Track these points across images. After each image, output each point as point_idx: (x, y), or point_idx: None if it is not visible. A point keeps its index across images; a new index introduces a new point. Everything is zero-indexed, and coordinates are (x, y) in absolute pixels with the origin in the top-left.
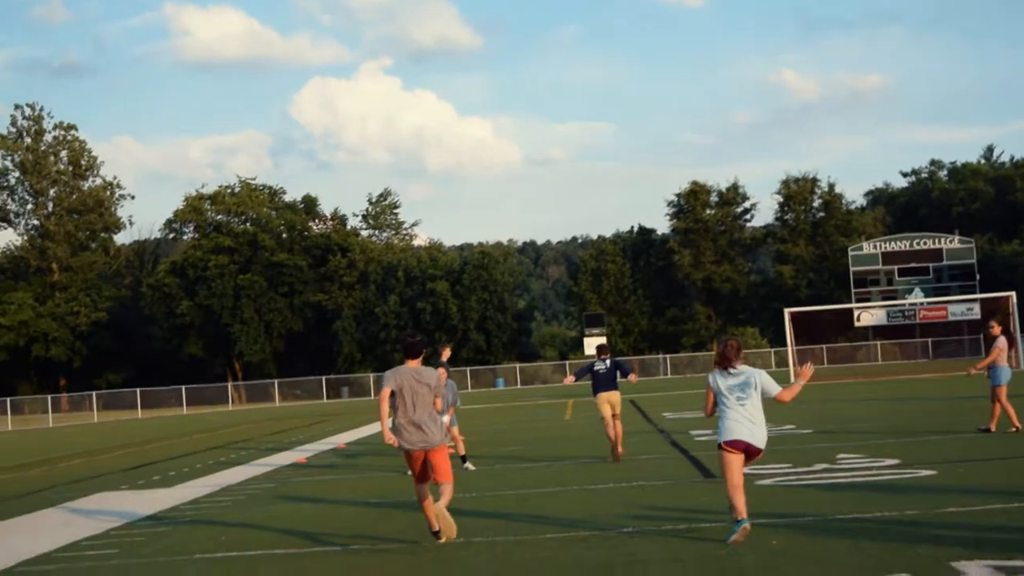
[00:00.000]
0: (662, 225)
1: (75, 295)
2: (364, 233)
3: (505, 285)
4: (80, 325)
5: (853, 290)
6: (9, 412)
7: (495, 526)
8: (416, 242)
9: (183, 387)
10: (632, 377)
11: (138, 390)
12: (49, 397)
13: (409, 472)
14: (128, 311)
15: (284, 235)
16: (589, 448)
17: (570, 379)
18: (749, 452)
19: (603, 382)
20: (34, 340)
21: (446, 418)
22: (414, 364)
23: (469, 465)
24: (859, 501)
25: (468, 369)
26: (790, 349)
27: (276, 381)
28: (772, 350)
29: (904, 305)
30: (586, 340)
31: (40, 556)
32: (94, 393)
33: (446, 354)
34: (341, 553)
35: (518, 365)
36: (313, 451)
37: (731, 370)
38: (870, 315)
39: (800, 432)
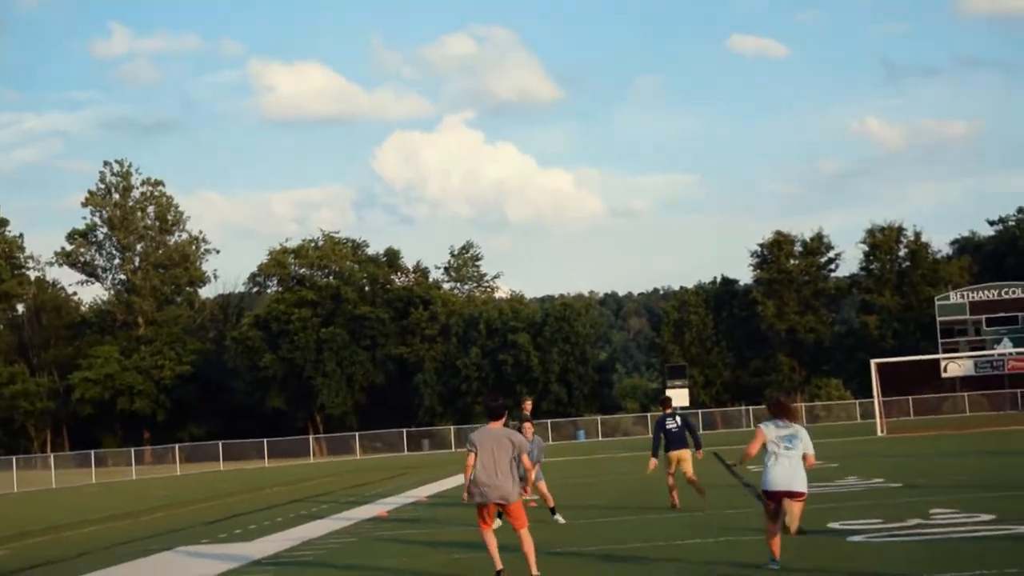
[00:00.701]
0: (745, 275)
1: (160, 348)
2: (446, 286)
3: (586, 337)
4: (165, 378)
5: (940, 340)
6: (93, 465)
7: None
8: (498, 294)
9: (265, 440)
10: (699, 453)
11: (220, 443)
12: (132, 450)
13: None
14: (212, 364)
15: (366, 288)
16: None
17: (653, 464)
18: (792, 495)
19: (675, 440)
20: (119, 393)
21: (532, 474)
22: (496, 426)
23: (559, 517)
24: (957, 558)
25: (549, 421)
26: (876, 400)
27: (357, 434)
28: (856, 402)
29: (992, 355)
30: (668, 392)
31: None
32: (177, 446)
33: (528, 407)
34: None
35: (599, 417)
36: (395, 504)
37: (782, 422)
38: (957, 365)
39: (890, 486)
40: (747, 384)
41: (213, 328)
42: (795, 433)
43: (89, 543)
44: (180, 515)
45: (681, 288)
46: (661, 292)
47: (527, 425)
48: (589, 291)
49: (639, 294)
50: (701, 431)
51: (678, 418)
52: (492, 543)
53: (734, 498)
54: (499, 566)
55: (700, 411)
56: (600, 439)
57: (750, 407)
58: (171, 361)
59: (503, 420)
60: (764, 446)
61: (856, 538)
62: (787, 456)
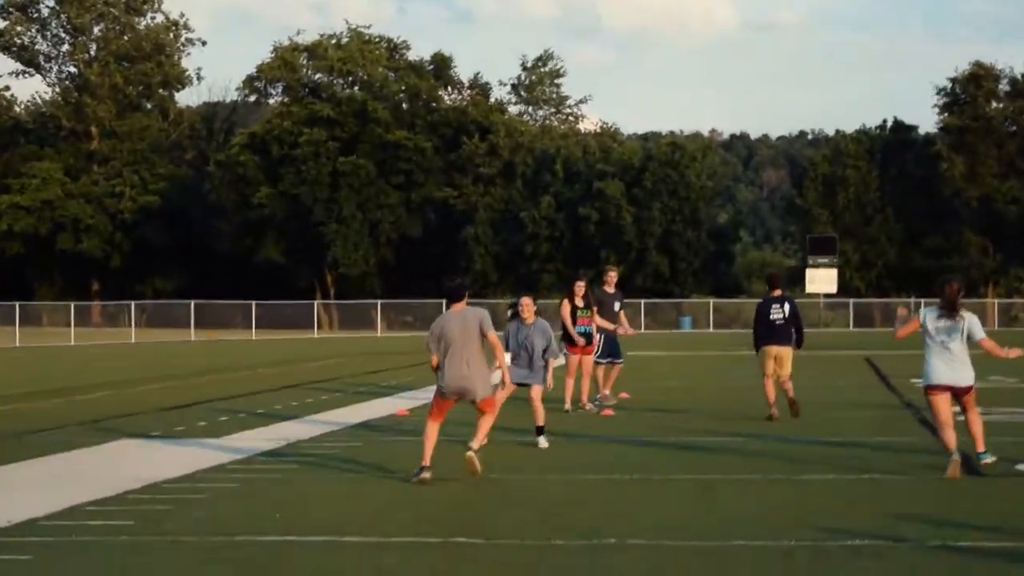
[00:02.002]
0: (927, 121)
1: (119, 170)
2: (512, 109)
3: (702, 191)
4: (123, 211)
5: None
6: (18, 322)
7: (665, 524)
8: (583, 126)
9: (253, 303)
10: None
11: (193, 303)
12: (73, 305)
13: (430, 407)
14: (188, 196)
15: (404, 106)
16: (802, 424)
17: None
18: (956, 392)
19: (776, 333)
20: (60, 228)
21: (550, 371)
22: (458, 308)
23: (543, 440)
24: None
25: (643, 302)
26: None
27: (380, 303)
28: None
29: None
30: (809, 273)
31: (27, 522)
32: (134, 303)
33: (611, 278)
34: (441, 547)
35: (712, 301)
36: (422, 400)
37: (944, 312)
38: None
39: None
40: (918, 268)
41: (192, 147)
42: (955, 325)
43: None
44: (129, 396)
45: (836, 133)
46: (809, 137)
47: (525, 301)
48: (709, 130)
49: (778, 138)
50: (852, 327)
51: (787, 305)
52: (432, 440)
53: (890, 423)
54: (425, 462)
55: (851, 301)
56: (711, 330)
57: (921, 299)
58: (133, 188)
59: (464, 301)
60: (922, 335)
61: None
62: (945, 349)
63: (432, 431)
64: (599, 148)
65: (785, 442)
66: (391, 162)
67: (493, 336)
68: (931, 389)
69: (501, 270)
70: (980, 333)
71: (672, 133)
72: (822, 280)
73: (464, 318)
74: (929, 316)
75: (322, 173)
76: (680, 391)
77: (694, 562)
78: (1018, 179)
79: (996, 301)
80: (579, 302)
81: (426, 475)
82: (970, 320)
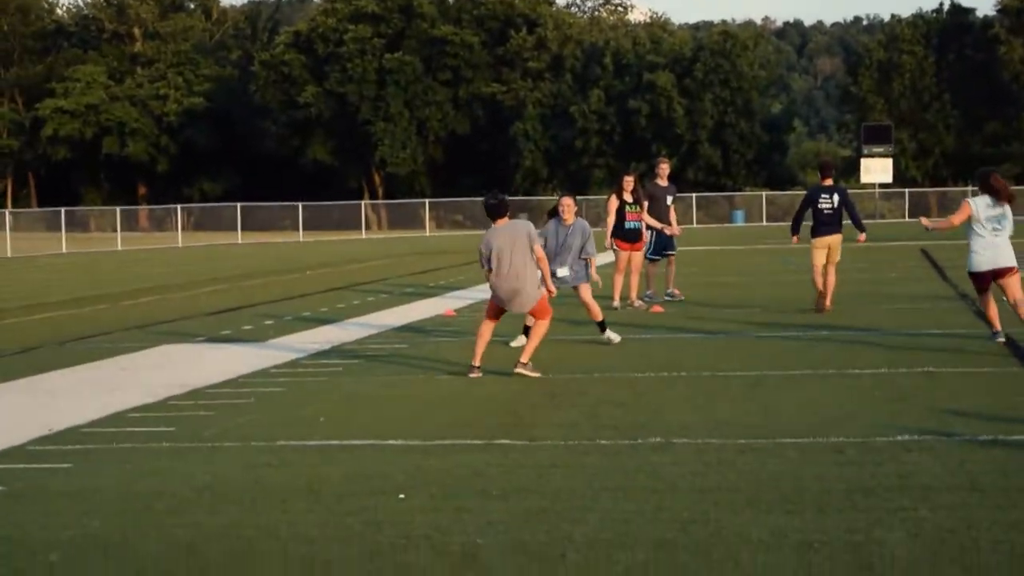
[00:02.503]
0: (985, 3)
1: (163, 72)
2: (560, 1)
3: (754, 81)
4: (168, 114)
5: None
6: (64, 228)
7: (709, 422)
8: (632, 16)
9: (300, 204)
10: (861, 237)
11: (239, 205)
12: (119, 209)
13: (487, 307)
14: (233, 97)
15: (450, 0)
16: (854, 317)
17: (795, 241)
18: (999, 274)
19: (828, 222)
20: (105, 132)
21: (593, 268)
22: (503, 223)
23: (611, 335)
24: None
25: (694, 195)
26: None
27: (428, 201)
28: None
29: None
30: (864, 162)
31: (69, 430)
32: (181, 207)
33: (664, 169)
34: (483, 448)
35: (765, 193)
36: (469, 300)
37: (993, 200)
38: None
39: None
40: (977, 155)
41: (236, 47)
42: (1004, 214)
43: (37, 334)
44: (175, 301)
45: (892, 18)
46: (864, 23)
47: (566, 201)
48: (762, 18)
49: (832, 24)
50: (907, 217)
51: (835, 196)
52: (485, 339)
53: (946, 314)
54: (476, 361)
55: (907, 191)
56: (764, 224)
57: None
58: (178, 91)
59: (507, 216)
60: (969, 223)
61: None
62: (994, 236)
63: (486, 330)
64: (649, 39)
65: (836, 335)
66: (438, 58)
67: (540, 251)
68: (974, 276)
69: (551, 166)
70: (1010, 230)
71: (724, 22)
72: (877, 170)
73: (513, 231)
74: (981, 204)
75: (368, 71)
76: (731, 286)
77: (739, 460)
78: None
79: None
80: (628, 197)
81: (475, 374)
82: (1011, 216)
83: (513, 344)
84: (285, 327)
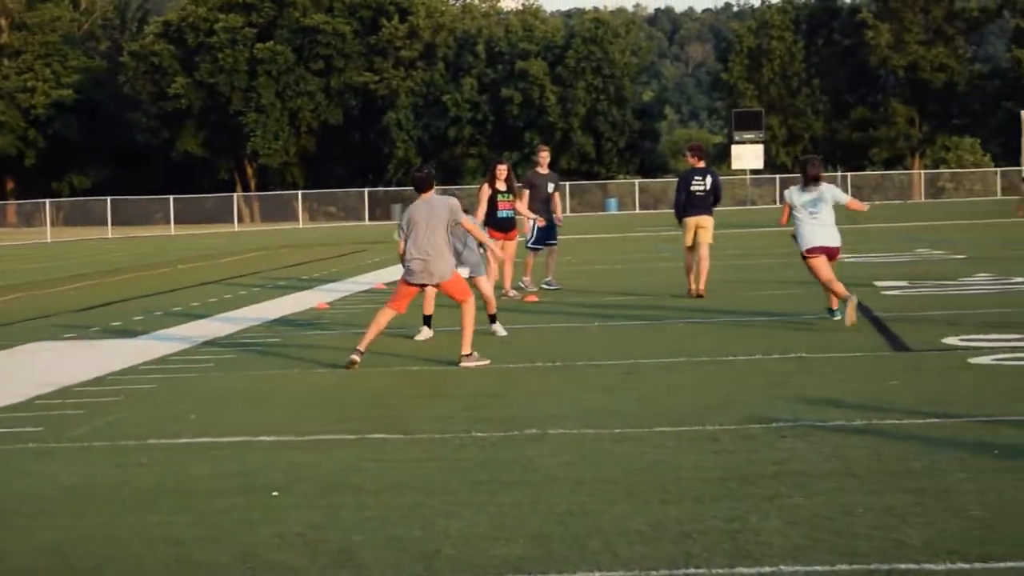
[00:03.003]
0: None
1: (30, 64)
2: None
3: (626, 68)
4: (35, 107)
5: None
6: None
7: (583, 412)
8: (504, 4)
9: (171, 197)
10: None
11: (110, 199)
12: None
13: (393, 293)
14: (102, 89)
15: None
16: (728, 302)
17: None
18: (829, 254)
19: (698, 204)
20: None
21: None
22: (427, 196)
23: (498, 327)
24: None
25: (568, 184)
26: None
27: (301, 193)
28: (998, 170)
29: None
30: (735, 149)
31: None
32: (49, 202)
33: (544, 157)
34: (357, 444)
35: (638, 181)
36: (342, 293)
37: (810, 188)
38: None
39: None
40: (846, 141)
41: (106, 38)
42: (819, 196)
43: None
44: (43, 298)
45: (762, 4)
46: (734, 8)
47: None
48: (634, 5)
49: (703, 11)
50: (779, 203)
51: (709, 177)
52: (380, 327)
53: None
54: (361, 347)
55: (777, 177)
56: (638, 211)
57: (848, 173)
58: (45, 83)
59: (432, 190)
60: (793, 213)
61: (982, 359)
62: (813, 219)
63: (384, 318)
64: (521, 27)
65: (710, 321)
66: (309, 47)
67: (467, 221)
68: (810, 252)
69: (425, 155)
70: (844, 197)
71: (595, 9)
72: (748, 156)
73: (431, 205)
74: (795, 194)
75: (239, 61)
76: (606, 274)
77: (615, 449)
78: (945, 46)
79: (923, 172)
80: (500, 186)
81: (356, 357)
82: (831, 189)
83: (418, 338)
84: (156, 322)
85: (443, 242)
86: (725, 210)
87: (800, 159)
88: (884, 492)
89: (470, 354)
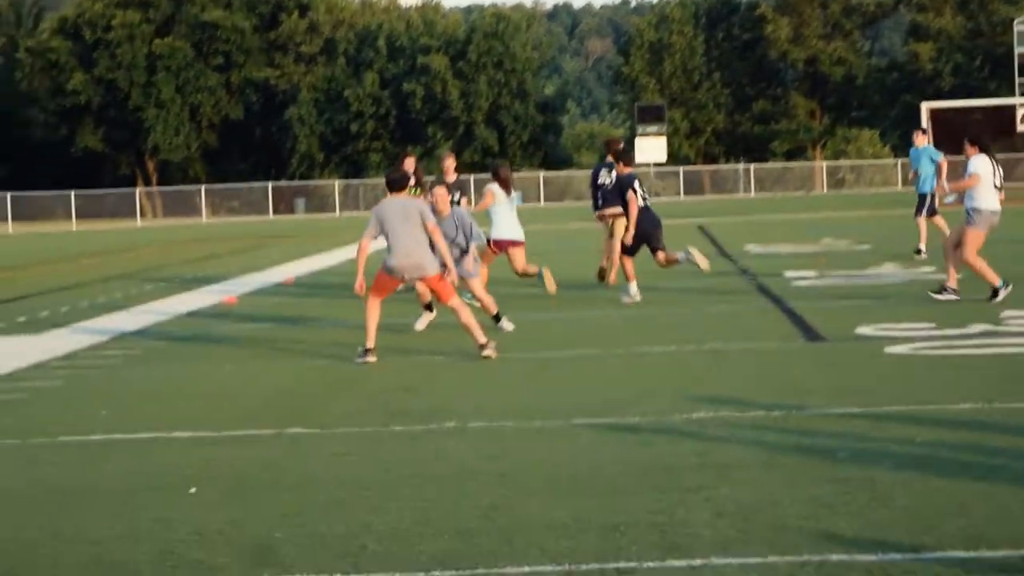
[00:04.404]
0: None
1: None
2: None
3: (528, 63)
4: None
5: (1017, 80)
6: None
7: (503, 404)
8: (405, 0)
9: (72, 192)
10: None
11: (9, 195)
12: None
13: (374, 283)
14: None
15: None
16: (644, 295)
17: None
18: (519, 243)
19: (609, 198)
20: None
21: (450, 261)
22: (400, 196)
23: (506, 323)
24: None
25: (472, 177)
26: None
27: (203, 187)
28: (898, 161)
29: None
30: (638, 142)
31: None
32: None
33: (450, 165)
34: (273, 439)
35: (542, 174)
36: (249, 287)
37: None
38: None
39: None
40: (747, 134)
41: (1, 35)
42: (513, 197)
43: None
44: None
45: None
46: (633, 4)
47: (439, 191)
48: (533, 1)
49: (601, 6)
50: (682, 195)
51: (614, 171)
52: (375, 318)
53: (729, 290)
54: (370, 344)
55: (681, 168)
56: (542, 204)
57: (751, 165)
58: None
59: (406, 191)
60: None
61: (897, 348)
62: (512, 213)
63: (374, 308)
64: (422, 21)
65: (623, 314)
66: (209, 43)
67: (433, 225)
68: (499, 243)
69: (327, 150)
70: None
71: (495, 4)
72: (652, 149)
73: (404, 206)
74: (500, 192)
75: (138, 56)
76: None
77: (536, 442)
78: (844, 40)
79: (824, 164)
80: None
81: (371, 358)
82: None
83: (419, 326)
84: (61, 318)
85: (425, 237)
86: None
87: (494, 165)
88: (810, 483)
89: (486, 343)
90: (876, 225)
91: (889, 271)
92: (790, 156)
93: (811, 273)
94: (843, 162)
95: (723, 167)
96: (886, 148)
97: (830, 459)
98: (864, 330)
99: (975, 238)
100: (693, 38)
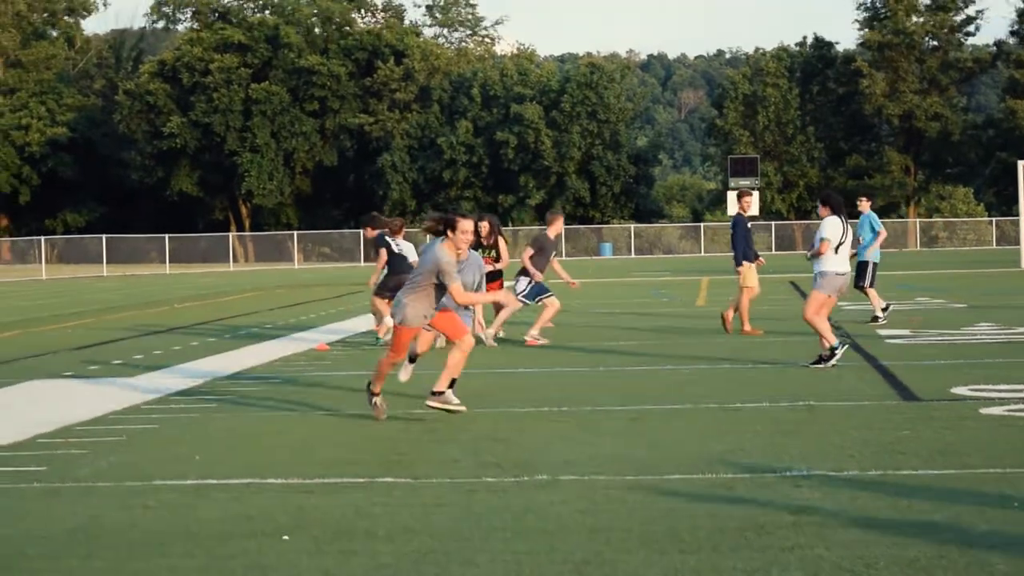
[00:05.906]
0: (847, 37)
1: (25, 102)
2: (427, 32)
3: (621, 113)
4: (30, 144)
5: None
6: None
7: (594, 458)
8: (500, 48)
9: (167, 236)
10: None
11: (104, 237)
12: None
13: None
14: (97, 127)
15: (317, 30)
16: (735, 348)
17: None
18: None
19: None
20: None
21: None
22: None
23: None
24: None
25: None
26: (1023, 218)
27: (296, 233)
28: (992, 220)
29: None
30: (730, 195)
31: None
32: (44, 239)
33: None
34: (366, 487)
35: (633, 226)
36: (341, 334)
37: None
38: None
39: None
40: (842, 188)
41: (100, 76)
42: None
43: None
44: (40, 336)
45: (757, 51)
46: (727, 56)
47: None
48: (627, 51)
49: (697, 57)
50: (774, 250)
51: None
52: (386, 370)
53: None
54: (376, 390)
55: (773, 223)
56: (632, 256)
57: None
58: (40, 120)
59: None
60: None
61: (993, 410)
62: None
63: (386, 366)
64: (516, 71)
65: (716, 368)
66: (305, 88)
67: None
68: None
69: (419, 197)
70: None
71: (589, 55)
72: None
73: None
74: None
75: (234, 101)
76: (604, 318)
77: (629, 497)
78: (939, 95)
79: (918, 221)
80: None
81: (379, 415)
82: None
83: (402, 377)
84: (156, 361)
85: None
86: (723, 256)
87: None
88: (906, 545)
89: (442, 392)
90: (970, 283)
91: (984, 331)
92: (884, 212)
93: (905, 332)
94: (937, 219)
95: (816, 222)
96: (980, 206)
97: (927, 521)
98: (959, 390)
99: (817, 299)
100: (788, 91)
